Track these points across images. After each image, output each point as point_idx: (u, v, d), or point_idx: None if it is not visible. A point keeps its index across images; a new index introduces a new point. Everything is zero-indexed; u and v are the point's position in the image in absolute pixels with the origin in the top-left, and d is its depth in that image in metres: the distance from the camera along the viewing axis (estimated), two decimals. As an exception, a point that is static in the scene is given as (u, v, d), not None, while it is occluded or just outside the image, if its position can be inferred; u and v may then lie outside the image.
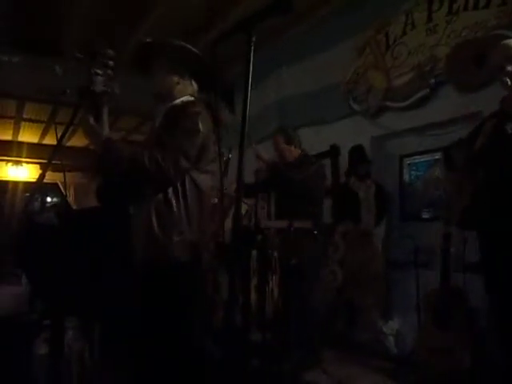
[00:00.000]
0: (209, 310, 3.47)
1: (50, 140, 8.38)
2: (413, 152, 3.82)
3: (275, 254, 3.38)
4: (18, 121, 7.54)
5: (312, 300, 3.30)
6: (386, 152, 4.08)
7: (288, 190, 3.33)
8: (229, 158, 3.51)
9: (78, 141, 7.58)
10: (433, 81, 3.53)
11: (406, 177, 3.91)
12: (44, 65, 5.36)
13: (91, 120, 1.81)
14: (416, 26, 3.71)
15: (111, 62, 1.83)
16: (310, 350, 3.21)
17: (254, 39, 1.22)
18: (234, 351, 1.48)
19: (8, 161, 9.23)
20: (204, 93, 2.15)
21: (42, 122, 7.60)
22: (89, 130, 1.83)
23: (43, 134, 8.33)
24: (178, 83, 2.03)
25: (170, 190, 1.85)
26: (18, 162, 9.27)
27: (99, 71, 1.79)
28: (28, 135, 8.47)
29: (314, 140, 4.33)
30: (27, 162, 9.24)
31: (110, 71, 1.82)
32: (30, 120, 7.56)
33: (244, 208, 3.73)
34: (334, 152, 4.49)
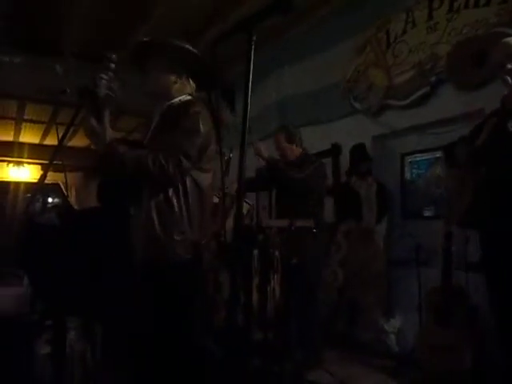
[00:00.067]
0: (210, 310, 3.47)
1: (51, 140, 8.40)
2: (414, 150, 3.81)
3: (276, 253, 3.38)
4: (19, 121, 7.56)
5: (313, 299, 3.30)
6: (387, 150, 4.07)
7: (289, 188, 3.33)
8: (230, 158, 3.51)
9: (79, 141, 7.59)
10: (433, 79, 3.52)
11: (408, 175, 3.91)
12: (44, 65, 5.37)
13: (93, 122, 1.82)
14: (417, 24, 3.70)
15: (114, 66, 1.85)
16: (311, 350, 3.21)
17: (254, 39, 1.22)
18: (236, 351, 1.48)
19: (9, 161, 9.26)
20: (203, 92, 2.15)
21: (42, 122, 7.61)
22: (91, 133, 1.84)
23: (44, 135, 8.35)
24: (175, 82, 2.03)
25: (171, 190, 1.86)
26: (19, 163, 9.29)
27: (104, 76, 1.81)
28: (29, 136, 8.49)
29: (315, 139, 4.32)
30: (28, 163, 9.27)
31: (113, 75, 1.84)
32: (31, 121, 7.58)
33: (245, 207, 3.72)
34: (335, 151, 4.48)
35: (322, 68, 4.65)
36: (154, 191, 1.84)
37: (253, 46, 1.22)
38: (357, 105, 4.24)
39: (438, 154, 3.55)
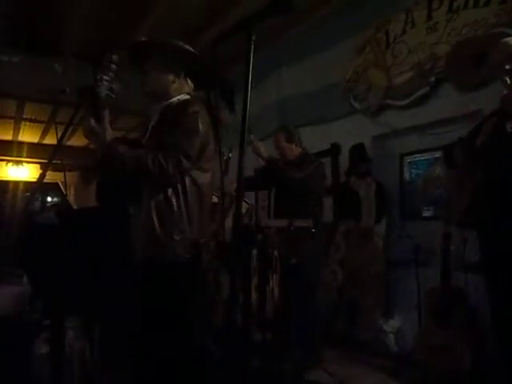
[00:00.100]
0: (209, 310, 3.47)
1: (51, 140, 8.39)
2: (413, 150, 3.81)
3: (275, 253, 3.38)
4: (18, 121, 7.55)
5: (312, 299, 3.30)
6: (387, 150, 4.07)
7: (288, 188, 3.32)
8: (229, 157, 3.51)
9: (78, 140, 7.59)
10: (433, 79, 3.53)
11: (407, 175, 3.90)
12: (44, 65, 5.36)
13: (93, 123, 1.82)
14: (416, 25, 3.71)
15: (115, 67, 1.85)
16: (310, 350, 3.21)
17: (254, 39, 1.22)
18: (235, 351, 1.49)
19: (8, 161, 9.25)
20: (202, 92, 2.16)
21: (42, 122, 7.61)
22: (91, 133, 1.84)
23: (43, 134, 8.34)
24: (173, 82, 2.04)
25: (170, 190, 1.86)
26: (18, 162, 9.29)
27: (105, 77, 1.82)
28: (28, 135, 8.48)
29: (314, 139, 4.32)
30: (28, 162, 9.26)
31: (113, 75, 1.85)
32: (30, 120, 7.57)
33: (244, 207, 3.73)
34: (334, 151, 4.48)
35: (322, 68, 4.65)
36: (153, 191, 1.84)
37: (252, 46, 1.22)
38: (356, 105, 4.24)
39: (437, 155, 3.55)
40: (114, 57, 1.86)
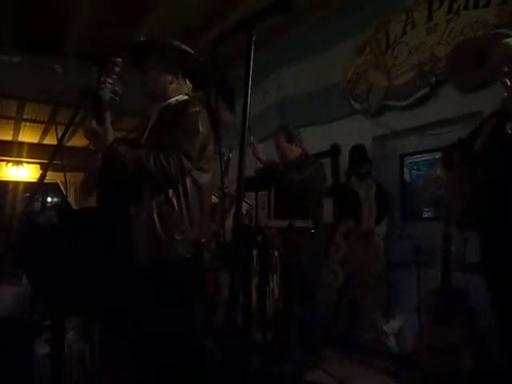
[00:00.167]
0: (210, 310, 3.47)
1: (51, 140, 8.40)
2: (413, 151, 3.81)
3: (276, 253, 3.38)
4: (18, 121, 7.55)
5: (312, 299, 3.30)
6: (387, 151, 4.07)
7: (288, 190, 3.32)
8: (229, 158, 3.51)
9: (78, 141, 7.59)
10: (433, 80, 3.53)
11: (407, 176, 3.90)
12: (44, 65, 5.37)
13: (94, 124, 1.82)
14: (416, 25, 3.71)
15: (118, 69, 1.86)
16: (310, 350, 3.21)
17: (254, 39, 1.22)
18: (235, 351, 1.48)
19: (8, 161, 9.26)
20: (202, 92, 2.16)
21: (42, 122, 7.61)
22: (92, 134, 1.84)
23: (43, 134, 8.35)
24: (171, 82, 2.05)
25: (171, 190, 1.87)
26: (18, 162, 9.30)
27: (109, 79, 1.83)
28: (28, 135, 8.49)
29: (314, 139, 4.33)
30: (28, 162, 9.27)
31: (117, 78, 1.86)
32: (30, 120, 7.57)
33: (244, 207, 3.72)
34: (334, 151, 4.48)
35: (322, 68, 4.65)
36: (154, 191, 1.84)
37: (253, 46, 1.22)
38: (357, 105, 4.24)
39: (438, 155, 3.54)
40: (118, 60, 1.88)
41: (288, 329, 3.17)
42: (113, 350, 2.06)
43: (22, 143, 8.85)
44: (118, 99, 1.86)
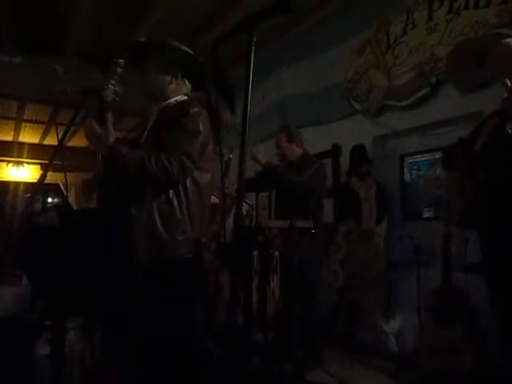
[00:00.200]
0: (210, 310, 3.47)
1: (51, 140, 8.41)
2: (414, 151, 3.81)
3: (276, 253, 3.37)
4: (18, 121, 7.56)
5: (313, 300, 3.30)
6: (387, 151, 4.07)
7: (288, 191, 3.32)
8: (229, 158, 3.51)
9: (79, 141, 7.59)
10: (434, 80, 3.53)
11: (407, 176, 3.90)
12: (45, 65, 5.37)
13: (96, 126, 1.82)
14: (416, 25, 3.71)
15: (120, 70, 1.87)
16: (311, 350, 3.21)
17: (254, 40, 1.22)
18: (236, 351, 1.49)
19: (9, 161, 9.26)
20: (200, 92, 2.17)
21: (42, 122, 7.62)
22: (93, 135, 1.84)
23: (44, 135, 8.35)
24: (170, 83, 2.05)
25: (172, 190, 1.87)
26: (19, 163, 9.30)
27: (112, 81, 1.83)
28: (29, 136, 8.50)
29: (315, 139, 4.33)
30: (28, 163, 9.27)
31: (119, 79, 1.86)
32: (30, 121, 7.58)
33: (245, 208, 3.72)
34: (335, 151, 4.48)
35: (323, 69, 4.65)
36: (155, 192, 1.84)
37: (253, 47, 1.22)
38: (357, 105, 4.24)
39: (438, 155, 3.54)
40: (121, 61, 1.88)
41: (288, 329, 3.17)
42: (113, 351, 2.06)
43: (22, 144, 8.85)
44: (118, 99, 1.86)
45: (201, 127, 1.90)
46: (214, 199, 3.25)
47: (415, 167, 3.84)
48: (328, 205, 3.77)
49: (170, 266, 1.83)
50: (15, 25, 4.76)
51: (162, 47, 2.03)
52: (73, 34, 5.00)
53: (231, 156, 3.50)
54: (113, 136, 1.84)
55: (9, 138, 8.55)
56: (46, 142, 8.72)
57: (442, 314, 2.80)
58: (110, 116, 1.85)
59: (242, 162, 1.21)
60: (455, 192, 2.34)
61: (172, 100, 2.05)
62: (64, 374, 2.03)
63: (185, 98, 2.08)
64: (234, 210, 3.31)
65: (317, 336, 3.29)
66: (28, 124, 7.77)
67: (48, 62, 5.36)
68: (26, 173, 9.38)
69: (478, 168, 2.16)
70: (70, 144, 7.89)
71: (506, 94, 2.08)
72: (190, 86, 2.14)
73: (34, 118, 7.45)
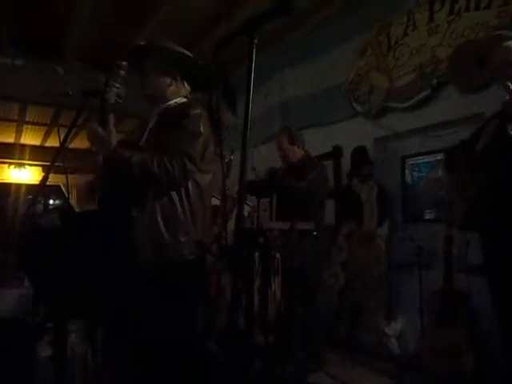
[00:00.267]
0: (212, 312, 3.47)
1: (53, 142, 8.41)
2: (415, 153, 3.80)
3: (278, 255, 3.37)
4: (20, 123, 7.57)
5: (315, 302, 3.30)
6: (388, 153, 4.07)
7: (289, 196, 3.33)
8: (231, 160, 3.51)
9: (80, 143, 7.59)
10: (435, 81, 3.53)
11: (409, 178, 3.90)
12: (46, 67, 5.38)
13: (98, 127, 1.83)
14: (417, 27, 3.71)
15: (124, 72, 1.88)
16: (312, 352, 3.20)
17: (256, 42, 1.22)
18: (237, 353, 1.49)
19: (11, 163, 9.26)
20: (200, 94, 2.17)
21: (44, 124, 7.62)
22: (96, 137, 1.85)
23: (46, 137, 8.35)
24: (170, 85, 2.06)
25: (174, 192, 1.87)
26: (20, 165, 9.30)
27: (116, 84, 1.84)
28: (30, 138, 8.50)
29: (316, 141, 4.33)
30: (30, 165, 9.27)
31: (122, 81, 1.87)
32: (32, 123, 7.59)
33: (246, 210, 3.72)
34: (336, 153, 4.48)
35: (324, 70, 4.65)
36: (158, 194, 1.85)
37: (254, 49, 1.22)
38: (358, 107, 4.24)
39: (439, 157, 3.54)
40: (124, 63, 1.90)
41: (290, 331, 3.17)
42: (115, 352, 2.06)
43: (24, 145, 8.85)
44: (121, 101, 1.87)
45: (202, 129, 1.90)
46: (215, 201, 3.24)
47: (416, 169, 3.84)
48: (329, 206, 3.77)
49: (172, 267, 1.83)
50: (15, 25, 4.77)
51: (161, 50, 2.05)
52: (73, 35, 5.00)
53: (232, 157, 3.51)
54: (115, 138, 1.85)
55: (10, 139, 8.55)
56: (47, 144, 8.72)
57: (443, 316, 2.79)
58: (111, 118, 1.86)
59: (243, 163, 1.21)
60: (457, 194, 2.34)
61: (172, 102, 2.07)
62: (66, 376, 2.03)
63: (184, 100, 2.09)
64: (235, 212, 3.31)
65: (318, 338, 3.29)
66: (30, 126, 7.78)
67: (49, 64, 5.37)
68: (27, 175, 9.38)
69: (479, 170, 2.15)
70: (71, 146, 7.89)
71: (507, 97, 2.08)
72: (188, 88, 2.15)
73: (35, 120, 7.45)
